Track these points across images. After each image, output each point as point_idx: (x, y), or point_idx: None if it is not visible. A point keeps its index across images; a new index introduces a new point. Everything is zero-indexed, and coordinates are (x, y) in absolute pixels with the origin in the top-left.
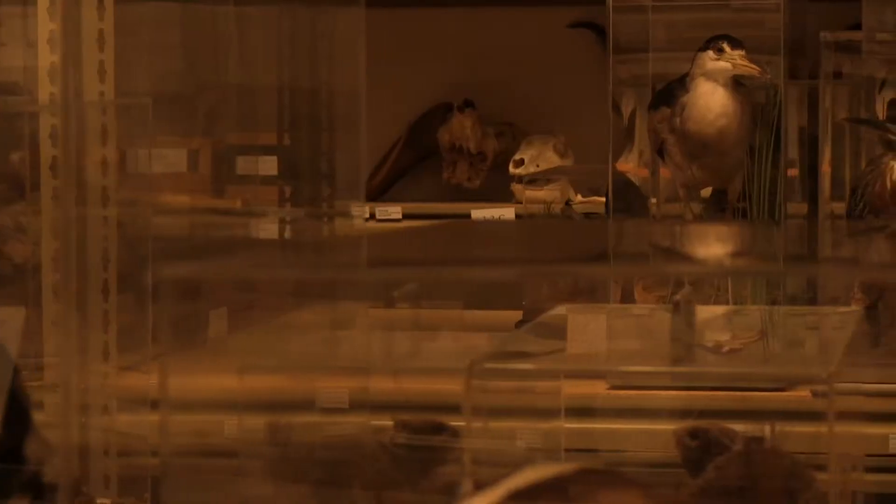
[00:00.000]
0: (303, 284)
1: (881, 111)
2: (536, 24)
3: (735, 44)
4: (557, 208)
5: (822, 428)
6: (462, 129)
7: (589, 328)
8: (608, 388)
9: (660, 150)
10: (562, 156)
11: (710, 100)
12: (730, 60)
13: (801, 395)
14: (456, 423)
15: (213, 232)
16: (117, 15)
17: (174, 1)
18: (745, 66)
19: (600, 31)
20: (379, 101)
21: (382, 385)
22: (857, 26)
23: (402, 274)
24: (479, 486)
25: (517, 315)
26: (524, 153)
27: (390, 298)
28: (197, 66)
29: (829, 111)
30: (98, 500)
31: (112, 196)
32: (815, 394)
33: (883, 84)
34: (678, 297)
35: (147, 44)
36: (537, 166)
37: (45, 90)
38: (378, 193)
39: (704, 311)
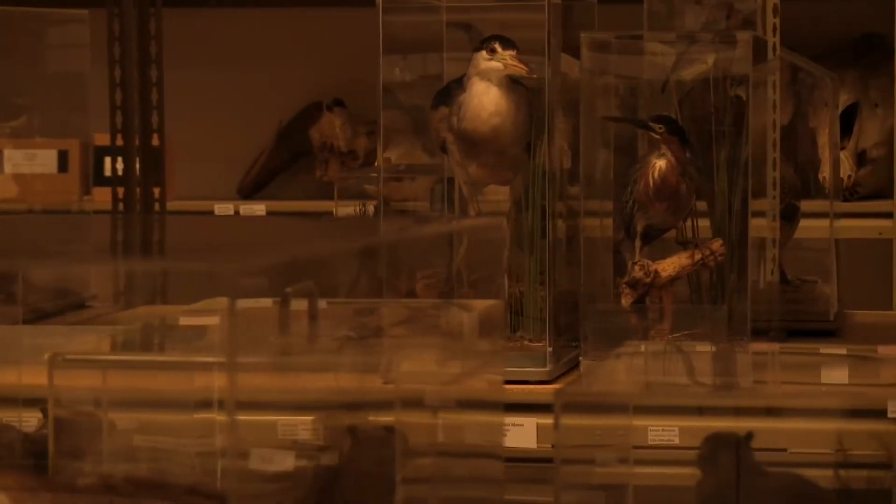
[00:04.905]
0: None
1: (672, 111)
2: None
3: (507, 44)
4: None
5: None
6: (332, 127)
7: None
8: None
9: (443, 149)
10: (431, 154)
11: (484, 99)
12: (501, 60)
13: None
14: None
15: None
16: None
17: None
18: (515, 65)
19: (468, 28)
20: (252, 100)
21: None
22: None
23: None
24: None
25: None
26: (392, 151)
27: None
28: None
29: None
30: None
31: None
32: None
33: (666, 84)
34: (289, 290)
35: None
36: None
37: None
38: (251, 191)
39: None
